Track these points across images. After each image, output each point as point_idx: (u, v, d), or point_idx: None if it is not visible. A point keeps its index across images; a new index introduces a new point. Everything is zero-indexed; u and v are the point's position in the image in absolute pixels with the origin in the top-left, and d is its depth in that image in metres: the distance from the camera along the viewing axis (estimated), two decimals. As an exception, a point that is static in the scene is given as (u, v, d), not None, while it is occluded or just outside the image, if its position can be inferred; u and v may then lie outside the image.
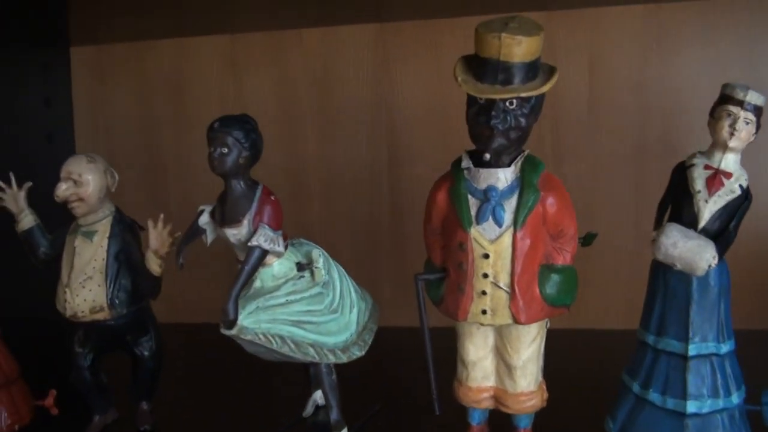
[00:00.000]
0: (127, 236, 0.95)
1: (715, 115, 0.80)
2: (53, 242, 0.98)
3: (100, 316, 0.92)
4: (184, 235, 0.90)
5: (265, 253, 0.84)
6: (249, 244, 0.83)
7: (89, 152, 0.95)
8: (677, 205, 0.82)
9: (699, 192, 0.79)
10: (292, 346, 0.86)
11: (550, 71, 0.78)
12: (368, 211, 1.39)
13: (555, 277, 0.82)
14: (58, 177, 0.92)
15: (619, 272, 1.32)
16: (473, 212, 0.80)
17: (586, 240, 0.87)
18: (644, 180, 1.27)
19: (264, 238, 0.83)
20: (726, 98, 0.79)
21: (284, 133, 1.40)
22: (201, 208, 0.89)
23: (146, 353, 0.98)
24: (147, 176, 1.46)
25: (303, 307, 0.88)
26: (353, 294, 0.95)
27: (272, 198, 0.86)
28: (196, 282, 1.41)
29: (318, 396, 1.02)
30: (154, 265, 0.92)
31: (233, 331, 0.82)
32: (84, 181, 0.91)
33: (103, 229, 0.94)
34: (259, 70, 1.40)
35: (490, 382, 0.87)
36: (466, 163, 0.81)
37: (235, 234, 0.85)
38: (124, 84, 1.47)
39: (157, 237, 0.91)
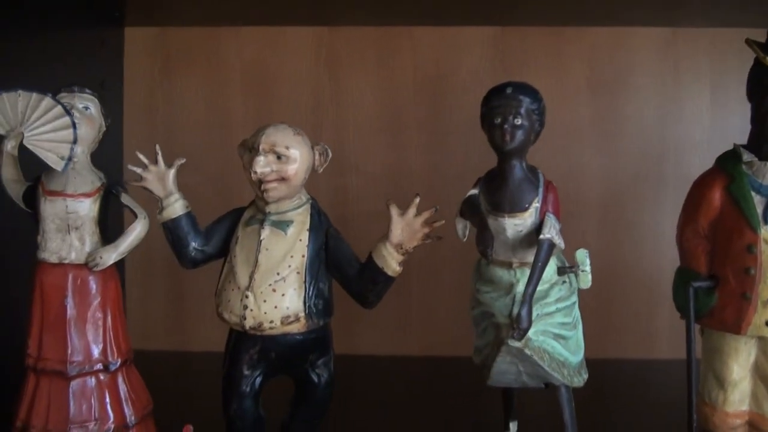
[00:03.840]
0: (332, 229, 0.76)
1: None
2: (208, 236, 0.78)
3: (293, 328, 0.73)
4: (479, 225, 0.73)
5: (553, 247, 0.70)
6: (540, 237, 0.69)
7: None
8: None
9: None
10: (555, 364, 0.72)
11: None
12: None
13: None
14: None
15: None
16: (759, 210, 0.72)
17: None
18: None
19: (555, 231, 0.69)
20: None
21: (388, 142, 1.25)
22: (472, 192, 0.73)
23: (324, 378, 0.77)
24: (216, 183, 1.25)
25: (561, 319, 0.74)
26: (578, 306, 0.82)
27: (553, 184, 0.72)
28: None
29: (514, 429, 0.86)
30: (393, 263, 0.71)
31: (521, 344, 0.67)
32: (291, 156, 0.72)
33: (301, 219, 0.74)
34: (360, 70, 1.25)
35: (745, 405, 0.78)
36: (748, 156, 0.74)
37: (517, 225, 0.70)
38: (190, 74, 1.26)
39: (404, 227, 0.70)
